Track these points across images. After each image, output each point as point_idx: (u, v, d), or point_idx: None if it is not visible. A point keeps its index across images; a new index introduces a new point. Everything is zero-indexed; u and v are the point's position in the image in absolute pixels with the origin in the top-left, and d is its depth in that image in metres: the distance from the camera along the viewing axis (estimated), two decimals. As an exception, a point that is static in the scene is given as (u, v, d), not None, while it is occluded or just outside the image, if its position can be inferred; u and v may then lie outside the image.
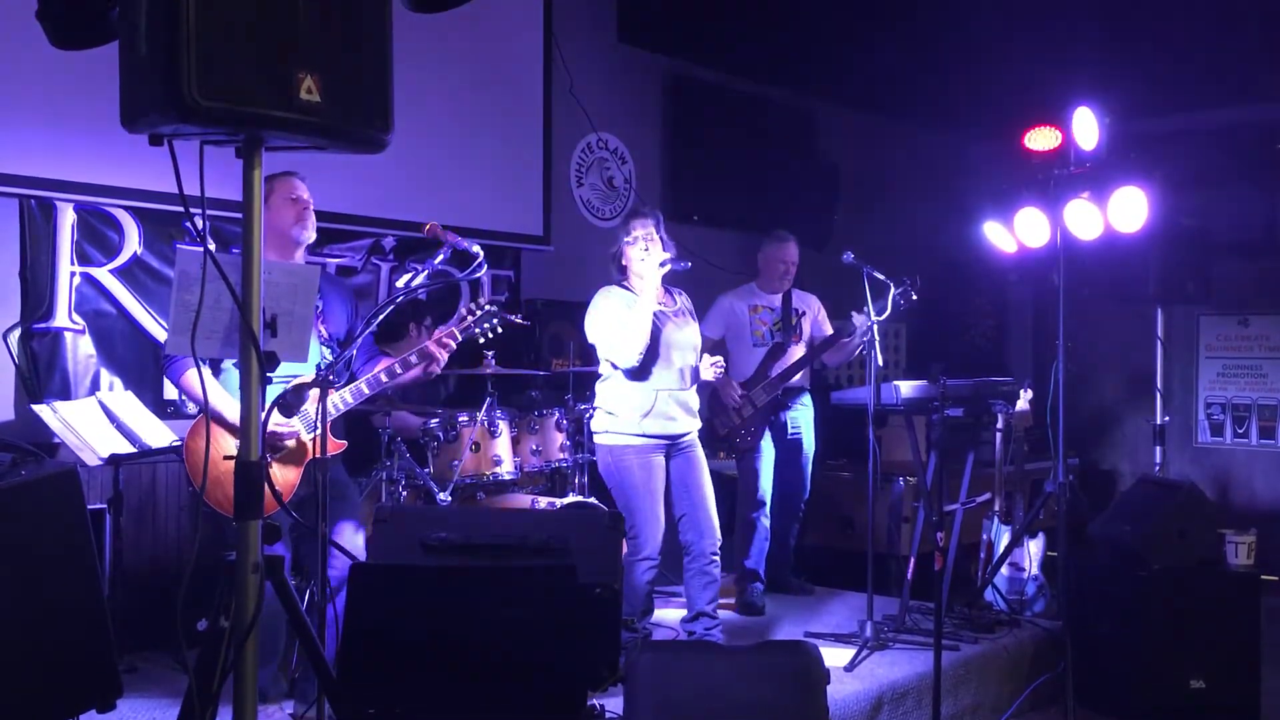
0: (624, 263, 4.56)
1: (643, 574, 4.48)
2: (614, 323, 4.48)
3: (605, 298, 4.57)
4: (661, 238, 4.54)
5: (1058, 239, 4.93)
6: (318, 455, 3.30)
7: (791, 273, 5.78)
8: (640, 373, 4.48)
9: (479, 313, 3.90)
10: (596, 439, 4.62)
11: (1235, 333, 8.18)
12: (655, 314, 4.48)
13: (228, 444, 3.55)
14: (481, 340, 3.97)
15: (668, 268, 4.44)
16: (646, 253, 4.47)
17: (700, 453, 4.65)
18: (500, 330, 3.97)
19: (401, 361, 3.78)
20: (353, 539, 3.82)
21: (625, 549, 4.48)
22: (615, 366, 4.52)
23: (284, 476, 3.72)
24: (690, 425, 4.61)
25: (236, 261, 2.22)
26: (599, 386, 4.65)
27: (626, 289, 4.57)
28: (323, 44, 2.11)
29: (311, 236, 3.87)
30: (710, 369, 4.66)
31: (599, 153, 6.78)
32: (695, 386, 4.67)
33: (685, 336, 4.60)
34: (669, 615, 5.15)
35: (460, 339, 3.86)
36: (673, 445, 4.55)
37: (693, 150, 7.24)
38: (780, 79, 7.67)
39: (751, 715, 3.30)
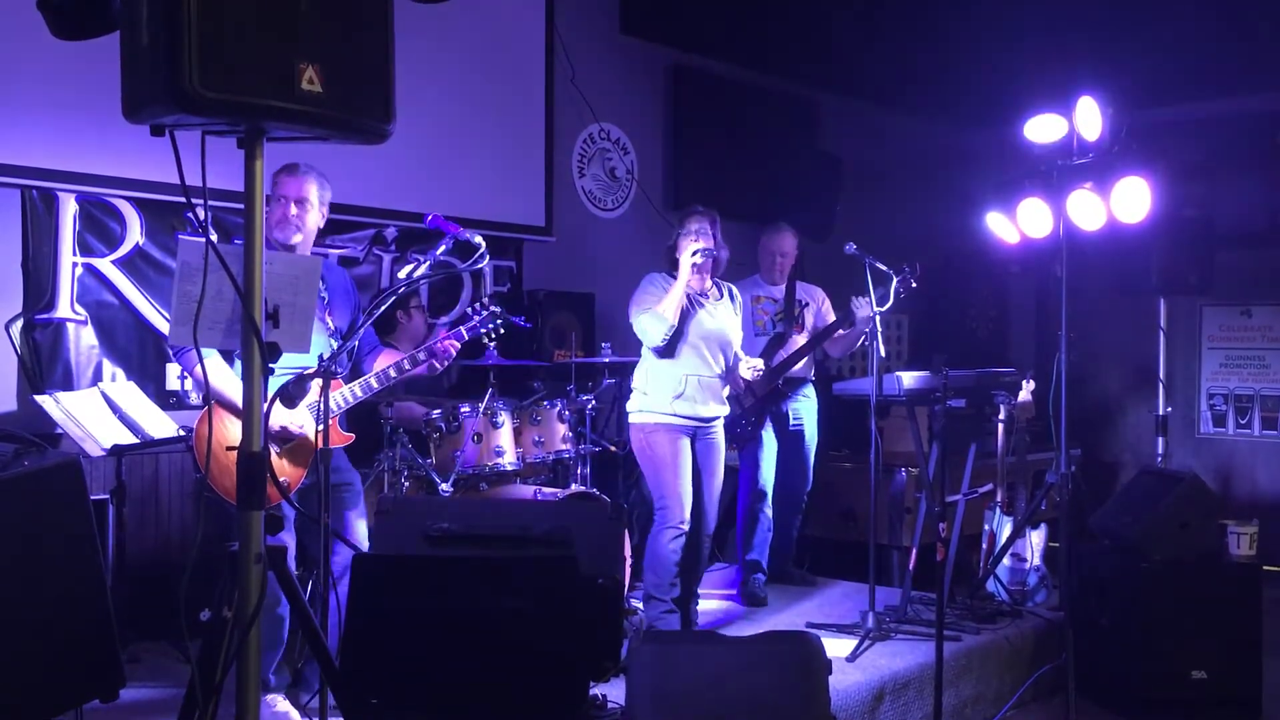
0: (676, 255, 4.68)
1: (669, 542, 4.56)
2: (648, 305, 4.64)
3: (646, 281, 4.75)
4: (715, 237, 4.70)
5: (1060, 229, 4.93)
6: (321, 448, 3.31)
7: (783, 263, 5.77)
8: (667, 353, 4.64)
9: (484, 313, 3.96)
10: (630, 418, 4.76)
11: (1238, 323, 8.17)
12: (692, 302, 4.67)
13: (238, 431, 3.55)
14: (486, 341, 4.03)
15: (699, 258, 4.59)
16: (698, 244, 4.64)
17: (721, 440, 4.81)
18: (504, 331, 4.03)
19: (410, 358, 3.81)
20: (355, 525, 3.84)
21: (654, 523, 4.64)
22: (653, 348, 4.67)
23: (291, 467, 3.73)
24: (718, 411, 4.77)
25: (238, 252, 2.22)
26: (636, 370, 4.81)
27: (672, 278, 4.69)
28: (324, 34, 2.10)
29: (295, 239, 3.77)
30: (749, 370, 4.79)
31: (601, 143, 6.77)
32: (727, 378, 4.82)
33: (719, 326, 4.74)
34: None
35: (466, 338, 3.91)
36: (699, 429, 4.69)
37: (695, 141, 7.23)
38: (782, 70, 7.65)
39: (753, 705, 3.30)
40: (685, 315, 4.65)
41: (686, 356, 4.65)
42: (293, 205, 3.76)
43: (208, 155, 2.15)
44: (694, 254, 4.58)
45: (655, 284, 4.72)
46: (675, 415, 4.63)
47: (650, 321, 4.60)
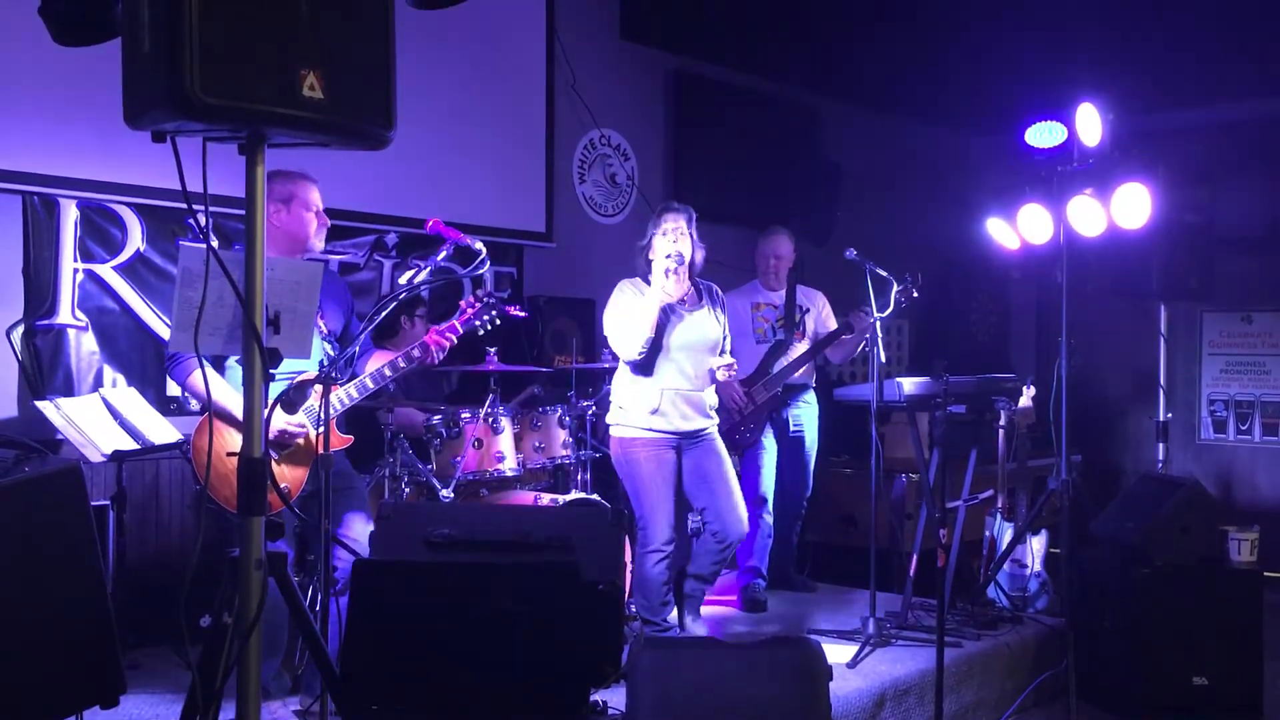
0: (650, 256, 4.50)
1: (653, 566, 4.46)
2: (621, 315, 4.48)
3: (620, 291, 4.55)
4: (691, 235, 4.49)
5: (1061, 235, 4.93)
6: (321, 451, 3.31)
7: (778, 266, 5.75)
8: (644, 367, 4.47)
9: (478, 305, 3.91)
10: (610, 430, 4.63)
11: (1238, 329, 8.17)
12: (666, 309, 4.45)
13: (234, 441, 3.55)
14: (481, 333, 3.97)
15: (671, 263, 4.39)
16: (673, 246, 4.42)
17: (713, 445, 4.59)
18: (499, 322, 3.97)
19: (404, 356, 3.80)
20: (363, 531, 3.83)
21: (638, 544, 4.53)
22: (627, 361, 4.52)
23: (292, 473, 3.74)
24: (704, 423, 4.56)
25: (239, 258, 2.23)
26: (615, 378, 4.68)
27: (646, 282, 4.52)
28: (325, 40, 2.11)
29: (322, 245, 3.93)
30: (723, 370, 4.54)
31: (601, 149, 6.78)
32: (712, 386, 4.61)
33: (699, 335, 4.53)
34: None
35: (461, 332, 3.87)
36: (685, 440, 4.52)
37: (695, 147, 7.23)
38: (783, 75, 7.66)
39: (754, 711, 3.30)
40: (659, 325, 4.43)
41: (663, 369, 4.46)
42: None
43: (209, 161, 2.15)
44: (666, 257, 4.37)
45: (627, 293, 4.52)
46: (651, 430, 4.47)
47: (624, 336, 4.42)
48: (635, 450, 4.50)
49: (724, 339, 4.68)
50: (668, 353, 4.47)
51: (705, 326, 4.57)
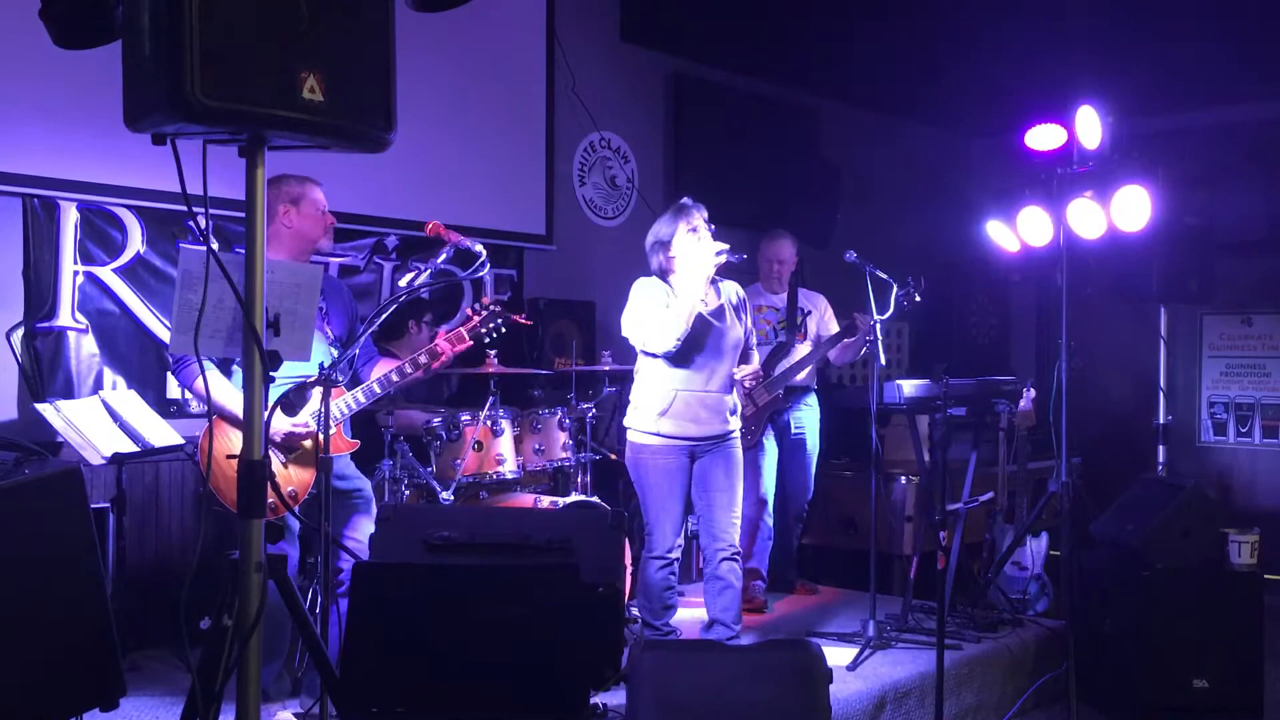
0: (670, 254, 4.36)
1: (655, 572, 4.41)
2: (652, 311, 4.32)
3: (644, 288, 4.41)
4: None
5: (1061, 238, 4.93)
6: (323, 454, 3.32)
7: (781, 271, 5.75)
8: (680, 359, 4.30)
9: (484, 313, 3.92)
10: (627, 433, 4.52)
11: (1238, 332, 8.17)
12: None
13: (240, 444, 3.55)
14: (487, 340, 3.97)
15: (724, 258, 4.29)
16: (701, 241, 4.32)
17: (730, 452, 4.45)
18: (505, 330, 3.97)
19: (411, 362, 3.80)
20: (365, 531, 3.86)
21: (643, 548, 4.49)
22: (652, 355, 4.36)
23: (299, 476, 3.74)
24: (720, 428, 4.41)
25: (239, 261, 2.23)
26: (635, 378, 4.54)
27: (665, 282, 4.40)
28: (325, 43, 2.11)
29: (330, 245, 4.03)
30: (746, 379, 4.50)
31: (601, 152, 6.78)
32: (734, 390, 4.50)
33: (718, 335, 4.39)
34: (684, 615, 5.08)
35: (468, 339, 3.88)
36: (700, 445, 4.40)
37: (695, 149, 7.23)
38: (783, 78, 7.67)
39: (754, 714, 3.30)
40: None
41: (677, 369, 4.34)
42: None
43: (209, 163, 2.16)
44: (718, 254, 4.25)
45: (655, 288, 4.39)
46: (659, 435, 4.35)
47: (657, 330, 4.26)
48: (644, 456, 4.40)
49: (746, 338, 4.56)
50: (685, 353, 4.33)
51: (725, 325, 4.44)
